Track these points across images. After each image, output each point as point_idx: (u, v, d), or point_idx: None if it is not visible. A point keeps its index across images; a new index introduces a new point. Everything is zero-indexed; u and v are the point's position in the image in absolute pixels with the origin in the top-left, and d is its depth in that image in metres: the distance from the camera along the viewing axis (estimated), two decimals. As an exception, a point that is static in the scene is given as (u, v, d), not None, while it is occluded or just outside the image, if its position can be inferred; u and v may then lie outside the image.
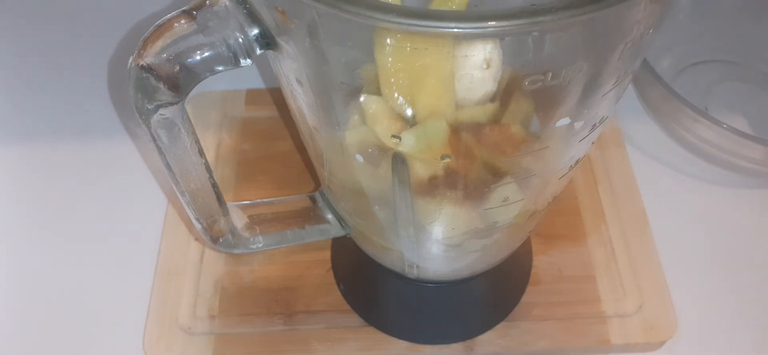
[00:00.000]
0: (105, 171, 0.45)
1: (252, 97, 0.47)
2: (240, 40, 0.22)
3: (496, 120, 0.23)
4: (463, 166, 0.24)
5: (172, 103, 0.23)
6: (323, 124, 0.25)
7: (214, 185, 0.29)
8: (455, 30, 0.17)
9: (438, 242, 0.29)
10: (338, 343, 0.36)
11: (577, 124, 0.24)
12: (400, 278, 0.34)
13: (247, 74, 0.47)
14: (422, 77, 0.21)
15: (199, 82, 0.22)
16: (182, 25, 0.21)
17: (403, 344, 0.36)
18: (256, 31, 0.22)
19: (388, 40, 0.19)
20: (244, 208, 0.33)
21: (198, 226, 0.30)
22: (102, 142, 0.46)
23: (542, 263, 0.39)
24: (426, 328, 0.37)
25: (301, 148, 0.44)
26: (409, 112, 0.22)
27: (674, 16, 0.48)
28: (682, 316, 0.37)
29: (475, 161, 0.24)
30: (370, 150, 0.24)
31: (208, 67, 0.22)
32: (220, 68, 0.22)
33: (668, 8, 0.22)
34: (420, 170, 0.24)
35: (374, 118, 0.22)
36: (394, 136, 0.22)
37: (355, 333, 0.37)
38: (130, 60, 0.22)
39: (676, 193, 0.43)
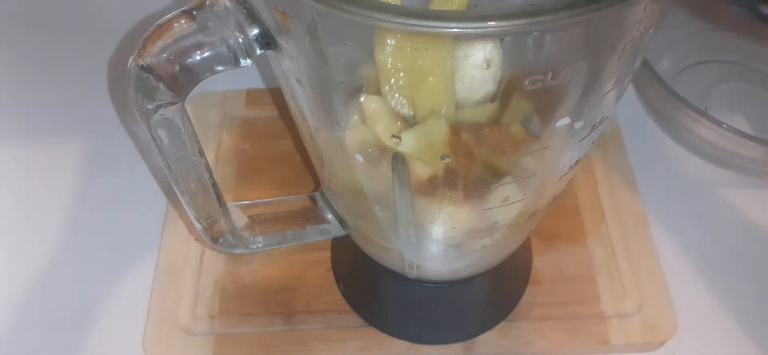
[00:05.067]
0: (105, 171, 0.45)
1: (252, 97, 0.47)
2: (240, 40, 0.22)
3: (496, 120, 0.23)
4: (463, 166, 0.24)
5: (172, 103, 0.23)
6: (323, 124, 0.25)
7: (214, 185, 0.29)
8: (455, 30, 0.17)
9: (438, 242, 0.29)
10: (338, 343, 0.36)
11: (577, 124, 0.24)
12: (400, 278, 0.34)
13: (247, 74, 0.47)
14: (422, 77, 0.21)
15: (199, 82, 0.23)
16: (182, 25, 0.21)
17: (403, 344, 0.36)
18: (256, 31, 0.22)
19: (388, 40, 0.19)
20: (244, 208, 0.33)
21: (198, 226, 0.30)
22: (102, 142, 0.46)
23: (542, 263, 0.39)
24: (426, 328, 0.37)
25: (301, 148, 0.44)
26: (409, 112, 0.22)
27: (674, 16, 0.48)
28: (682, 316, 0.37)
29: (475, 161, 0.24)
30: (370, 150, 0.24)
31: (208, 67, 0.22)
32: (220, 68, 0.22)
33: (668, 8, 0.22)
34: (420, 170, 0.24)
35: (374, 118, 0.22)
36: (394, 136, 0.22)
37: (355, 333, 0.37)
38: (130, 60, 0.22)
39: (676, 193, 0.43)
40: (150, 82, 0.22)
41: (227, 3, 0.21)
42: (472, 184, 0.25)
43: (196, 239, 0.40)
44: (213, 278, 0.39)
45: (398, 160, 0.24)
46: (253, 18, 0.21)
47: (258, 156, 0.44)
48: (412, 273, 0.33)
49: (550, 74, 0.20)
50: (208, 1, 0.21)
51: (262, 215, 0.33)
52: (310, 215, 0.34)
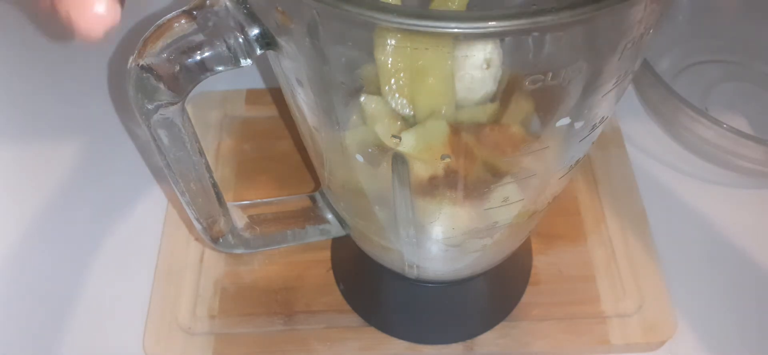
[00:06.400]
0: (105, 171, 0.45)
1: (252, 97, 0.47)
2: (240, 40, 0.22)
3: (496, 120, 0.23)
4: (463, 166, 0.24)
5: (172, 103, 0.23)
6: (323, 124, 0.25)
7: (214, 185, 0.29)
8: (455, 30, 0.17)
9: (438, 242, 0.29)
10: (338, 343, 0.36)
11: (577, 124, 0.24)
12: (400, 278, 0.34)
13: (247, 74, 0.47)
14: (422, 77, 0.21)
15: (199, 82, 0.22)
16: (182, 25, 0.21)
17: (403, 344, 0.36)
18: (256, 31, 0.22)
19: (388, 40, 0.19)
20: (244, 208, 0.33)
21: (198, 226, 0.30)
22: (102, 142, 0.46)
23: (542, 263, 0.39)
24: (426, 328, 0.37)
25: (301, 148, 0.44)
26: (409, 112, 0.22)
27: (674, 16, 0.48)
28: (682, 316, 0.37)
29: (475, 161, 0.24)
30: (370, 150, 0.24)
31: (208, 67, 0.22)
32: (220, 68, 0.22)
33: (668, 8, 0.22)
34: (420, 170, 0.24)
35: (374, 118, 0.22)
36: (394, 136, 0.22)
37: (355, 333, 0.37)
38: (130, 60, 0.22)
39: (676, 193, 0.43)
40: (150, 82, 0.22)
41: (227, 3, 0.21)
42: (472, 184, 0.25)
43: (196, 239, 0.40)
44: (213, 278, 0.39)
45: (398, 160, 0.24)
46: (253, 18, 0.21)
47: (258, 156, 0.44)
48: (412, 273, 0.33)
49: (550, 74, 0.20)
50: (208, 1, 0.21)
51: (262, 215, 0.33)
52: (310, 215, 0.34)
